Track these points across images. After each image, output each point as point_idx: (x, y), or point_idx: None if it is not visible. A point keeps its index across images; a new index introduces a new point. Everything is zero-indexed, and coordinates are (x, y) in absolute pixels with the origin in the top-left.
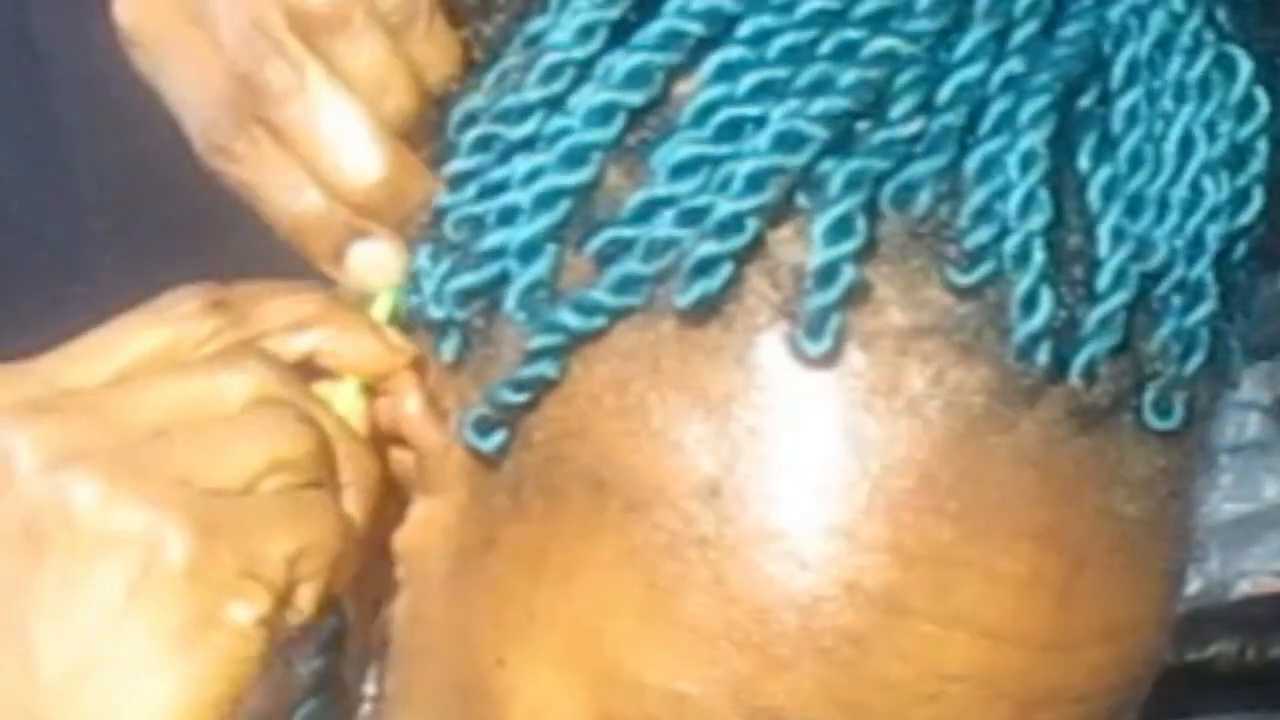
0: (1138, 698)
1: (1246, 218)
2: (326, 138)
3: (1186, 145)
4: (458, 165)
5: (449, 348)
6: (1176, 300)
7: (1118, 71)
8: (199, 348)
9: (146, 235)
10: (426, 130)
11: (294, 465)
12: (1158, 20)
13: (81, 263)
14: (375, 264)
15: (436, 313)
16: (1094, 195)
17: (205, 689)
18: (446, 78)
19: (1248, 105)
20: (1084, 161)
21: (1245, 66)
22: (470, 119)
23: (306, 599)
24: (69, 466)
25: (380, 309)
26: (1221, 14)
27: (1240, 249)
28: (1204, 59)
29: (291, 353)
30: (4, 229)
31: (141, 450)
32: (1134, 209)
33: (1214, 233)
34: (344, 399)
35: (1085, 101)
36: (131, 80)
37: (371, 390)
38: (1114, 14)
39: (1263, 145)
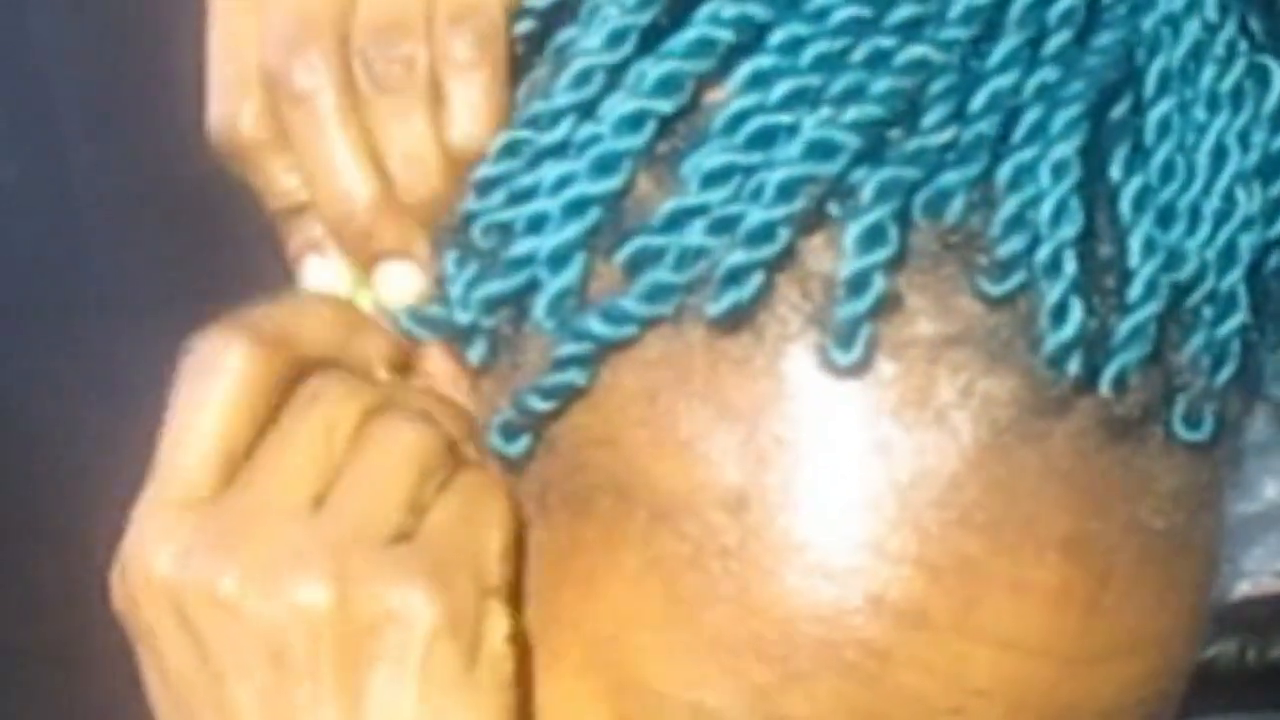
0: (1166, 712)
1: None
2: (324, 154)
3: (1219, 156)
4: (486, 170)
5: (475, 353)
6: (1208, 311)
7: (1150, 81)
8: (269, 393)
9: (145, 237)
10: None
11: (440, 463)
12: (1191, 30)
13: (80, 266)
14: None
15: (463, 318)
16: (1125, 205)
17: None
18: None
19: None
20: (1116, 171)
21: (1279, 76)
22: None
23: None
24: (288, 580)
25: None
26: (1255, 24)
27: (1273, 259)
28: (1237, 69)
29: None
30: (2, 236)
31: (329, 533)
32: (1165, 219)
33: (1246, 243)
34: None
35: (1118, 111)
36: (131, 82)
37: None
38: (1147, 23)
39: None
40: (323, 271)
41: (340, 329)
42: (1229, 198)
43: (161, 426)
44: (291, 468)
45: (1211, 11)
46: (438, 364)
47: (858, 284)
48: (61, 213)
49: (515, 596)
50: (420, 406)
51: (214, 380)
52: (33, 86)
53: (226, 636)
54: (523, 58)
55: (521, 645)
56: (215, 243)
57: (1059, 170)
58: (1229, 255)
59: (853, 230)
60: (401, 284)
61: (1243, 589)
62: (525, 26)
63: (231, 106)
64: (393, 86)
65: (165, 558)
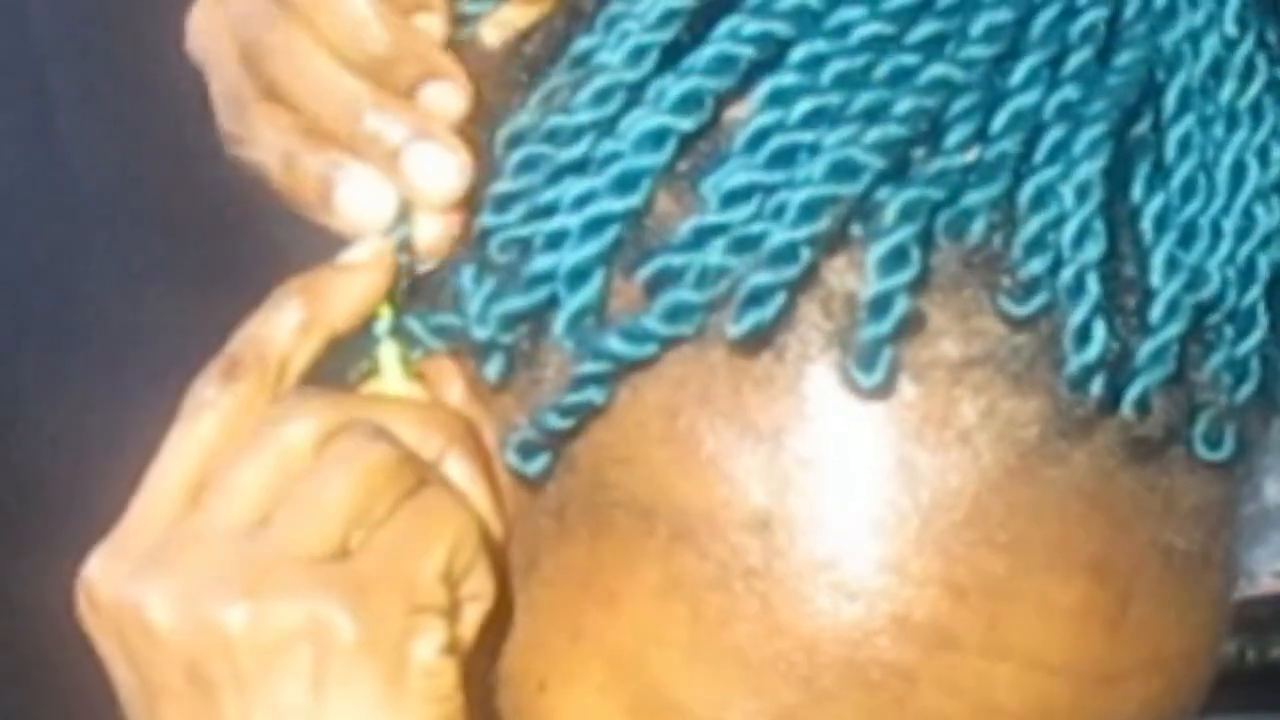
0: None
1: None
2: (309, 77)
3: (1238, 172)
4: (504, 186)
5: (492, 369)
6: (1228, 330)
7: (1170, 99)
8: (239, 418)
9: (146, 242)
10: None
11: (390, 481)
12: (1210, 46)
13: (81, 269)
14: (361, 199)
15: (480, 334)
16: (1147, 224)
17: None
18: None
19: None
20: (1137, 190)
21: None
22: (517, 139)
23: (482, 583)
24: (204, 601)
25: (389, 358)
26: (1273, 37)
27: None
28: (1256, 85)
29: (306, 358)
30: (2, 238)
31: (258, 552)
32: (1187, 238)
33: (1266, 260)
34: (394, 386)
35: (1139, 129)
36: (131, 84)
37: (419, 376)
38: (1168, 40)
39: None
40: (359, 189)
41: (311, 307)
42: (1248, 215)
43: (163, 429)
44: (239, 490)
45: (1231, 27)
46: (448, 379)
47: (880, 305)
48: (61, 214)
49: (504, 611)
50: (382, 422)
51: (193, 415)
52: (32, 86)
53: (154, 659)
54: (537, 63)
55: (471, 659)
56: (216, 242)
57: (1083, 191)
58: (1249, 272)
59: (875, 251)
60: (433, 163)
61: (1243, 589)
62: None
63: (224, 99)
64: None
65: (108, 580)
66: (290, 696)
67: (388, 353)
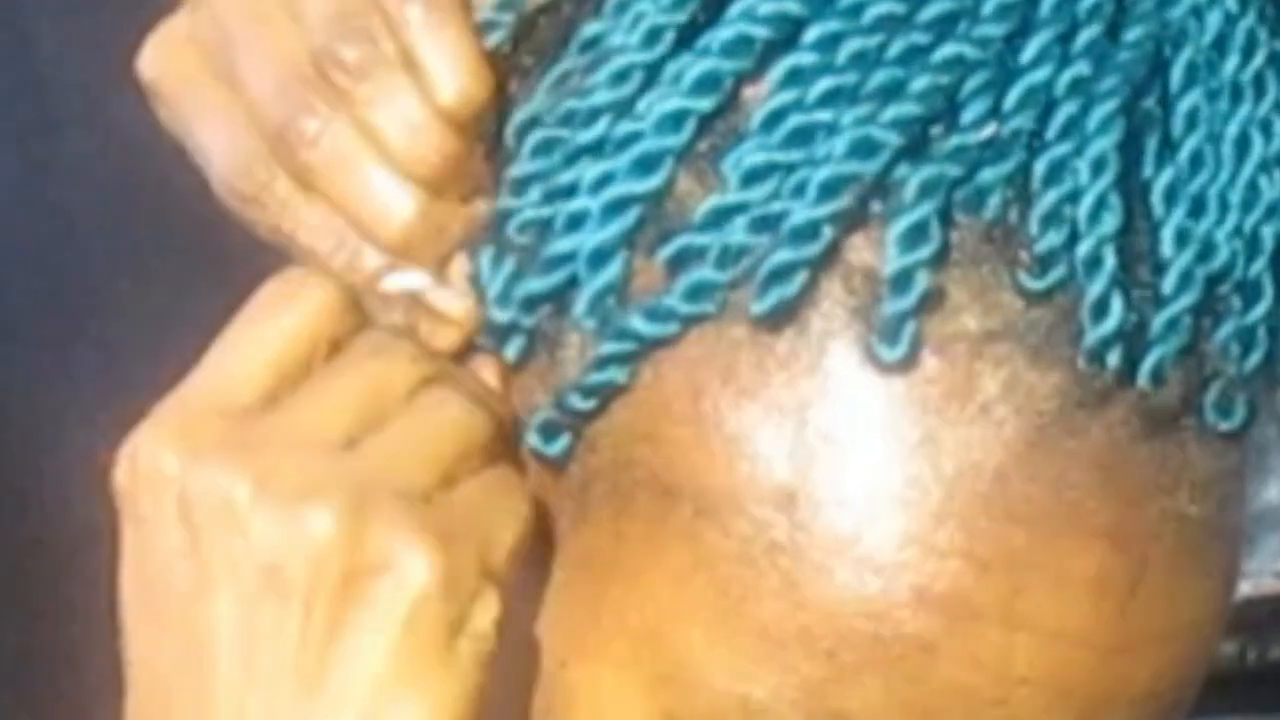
0: (1192, 695)
1: None
2: (358, 182)
3: (1242, 145)
4: (519, 169)
5: (512, 350)
6: (1237, 300)
7: (1177, 73)
8: (337, 334)
9: (146, 248)
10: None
11: (485, 447)
12: (1214, 20)
13: (79, 274)
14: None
15: (501, 316)
16: (1157, 197)
17: (458, 703)
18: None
19: None
20: (1147, 164)
21: None
22: (531, 123)
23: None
24: (302, 504)
25: None
26: (1272, 12)
27: None
28: (1258, 58)
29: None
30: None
31: (355, 472)
32: (1196, 210)
33: (1270, 231)
34: None
35: (1147, 104)
36: (133, 99)
37: None
38: (1174, 15)
39: None
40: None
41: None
42: (1253, 187)
43: None
44: (332, 405)
45: (1232, 1)
46: (484, 374)
47: (902, 281)
48: (60, 214)
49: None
50: (478, 390)
51: (288, 303)
52: (32, 86)
53: (226, 542)
54: (545, 48)
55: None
56: (216, 243)
57: (1098, 166)
58: (1254, 243)
59: (896, 228)
60: (386, 204)
61: (1243, 590)
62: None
63: (242, 161)
64: (366, 69)
65: (180, 455)
66: (352, 623)
67: None
